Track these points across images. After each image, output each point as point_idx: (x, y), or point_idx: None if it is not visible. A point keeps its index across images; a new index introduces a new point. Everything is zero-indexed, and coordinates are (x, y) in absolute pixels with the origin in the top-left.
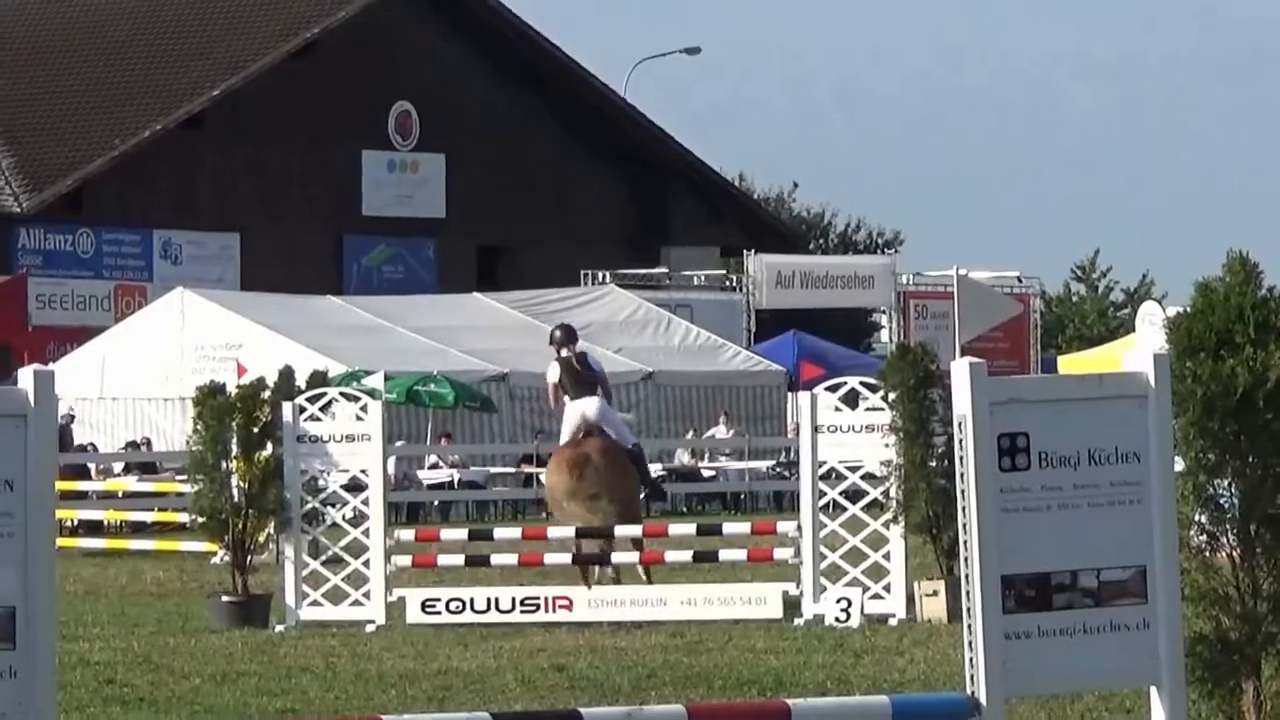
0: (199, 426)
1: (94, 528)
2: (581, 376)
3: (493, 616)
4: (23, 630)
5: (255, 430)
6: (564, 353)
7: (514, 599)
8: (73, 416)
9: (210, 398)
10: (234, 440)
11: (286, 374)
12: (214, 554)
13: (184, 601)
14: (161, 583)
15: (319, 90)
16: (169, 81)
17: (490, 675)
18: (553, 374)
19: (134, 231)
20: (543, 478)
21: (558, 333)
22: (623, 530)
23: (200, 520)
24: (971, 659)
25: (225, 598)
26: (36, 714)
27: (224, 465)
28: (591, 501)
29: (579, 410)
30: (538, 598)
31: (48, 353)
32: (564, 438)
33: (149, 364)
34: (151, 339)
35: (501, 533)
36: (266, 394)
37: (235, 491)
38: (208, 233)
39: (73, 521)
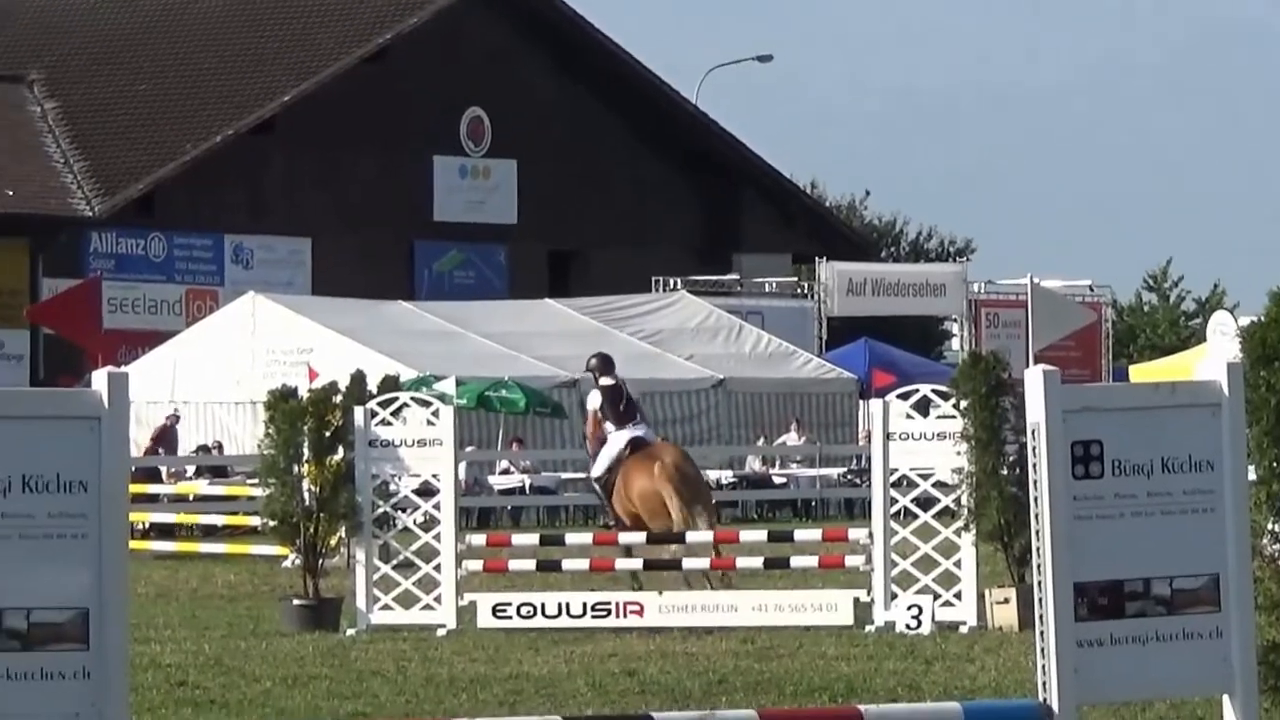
0: (270, 431)
1: (165, 531)
2: (625, 404)
3: (564, 621)
4: (96, 631)
5: (327, 435)
6: (604, 380)
7: (585, 604)
8: (178, 417)
9: (282, 402)
10: (306, 444)
11: (358, 378)
12: (285, 558)
13: (255, 605)
14: (233, 586)
15: (391, 96)
16: (240, 87)
17: (561, 680)
18: (594, 401)
19: (205, 236)
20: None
21: (594, 360)
22: (696, 537)
23: (271, 524)
24: (1043, 666)
25: (296, 601)
26: (109, 715)
27: (295, 469)
28: (694, 506)
29: (625, 438)
30: (609, 603)
31: (119, 356)
32: (602, 465)
33: (220, 368)
34: (223, 343)
35: (573, 538)
36: (338, 398)
37: (306, 495)
38: (279, 237)
39: (144, 524)
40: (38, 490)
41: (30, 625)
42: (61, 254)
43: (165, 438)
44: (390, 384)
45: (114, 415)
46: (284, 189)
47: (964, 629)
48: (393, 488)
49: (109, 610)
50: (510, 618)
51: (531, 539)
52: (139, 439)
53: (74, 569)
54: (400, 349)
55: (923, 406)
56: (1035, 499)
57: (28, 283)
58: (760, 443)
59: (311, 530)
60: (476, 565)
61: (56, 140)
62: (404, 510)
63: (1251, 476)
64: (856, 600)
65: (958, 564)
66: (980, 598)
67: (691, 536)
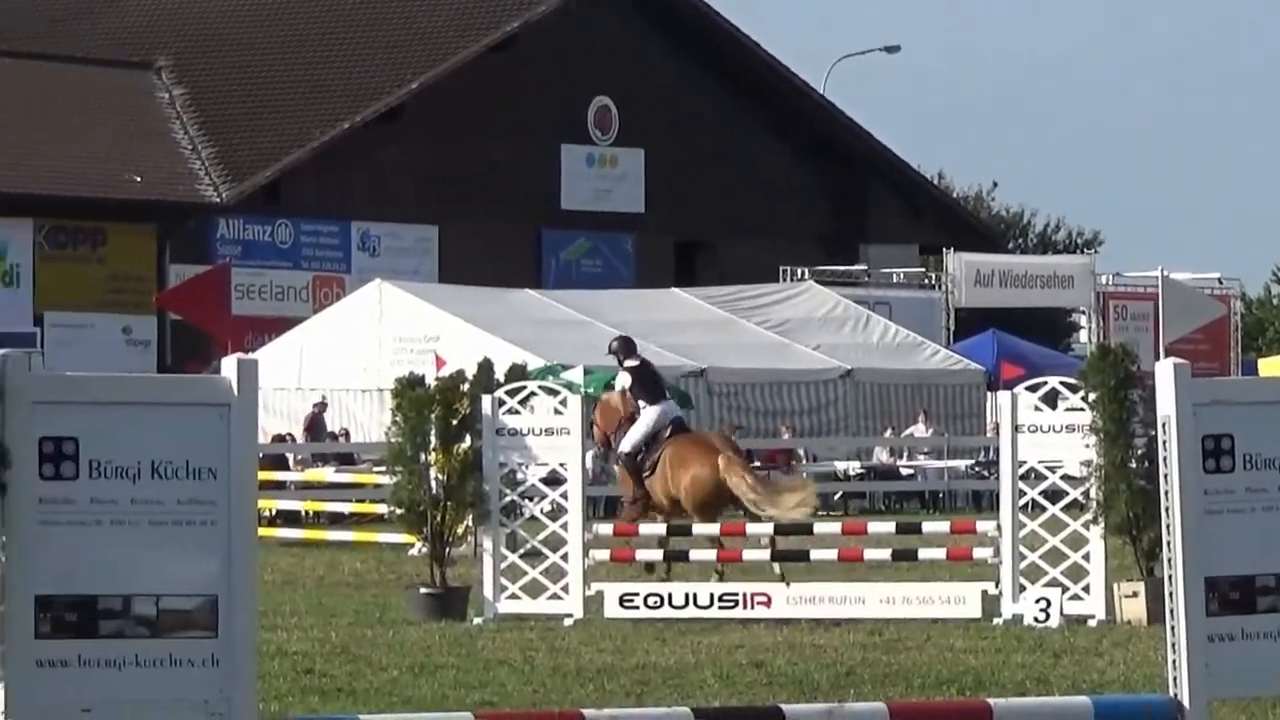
0: (398, 418)
1: (292, 518)
2: (654, 382)
3: (690, 612)
4: (224, 619)
5: (454, 423)
6: (629, 361)
7: (712, 594)
8: (325, 404)
9: (409, 390)
10: (433, 432)
11: (485, 367)
12: (412, 546)
13: (382, 593)
14: (359, 574)
15: (518, 84)
16: (367, 74)
17: (688, 670)
18: (624, 381)
19: (332, 223)
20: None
21: (615, 344)
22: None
23: (398, 512)
24: (1174, 661)
25: (423, 590)
26: (238, 702)
27: (423, 457)
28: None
29: (659, 414)
30: (736, 593)
31: (247, 343)
32: (635, 437)
33: (347, 355)
34: (349, 330)
35: (700, 528)
36: (465, 386)
37: (434, 484)
38: (405, 225)
39: (271, 511)
40: (167, 477)
41: (159, 612)
42: (189, 241)
43: (315, 425)
44: (518, 372)
45: (243, 402)
46: (411, 176)
47: (1092, 623)
48: (520, 476)
49: (237, 597)
50: (637, 608)
51: (658, 529)
52: (266, 426)
53: (203, 556)
54: (528, 337)
55: (1051, 399)
56: (1165, 493)
57: (155, 269)
58: (888, 434)
59: (438, 518)
60: (604, 555)
61: (184, 126)
62: (531, 499)
63: None
64: (984, 593)
65: (1086, 557)
66: (1109, 591)
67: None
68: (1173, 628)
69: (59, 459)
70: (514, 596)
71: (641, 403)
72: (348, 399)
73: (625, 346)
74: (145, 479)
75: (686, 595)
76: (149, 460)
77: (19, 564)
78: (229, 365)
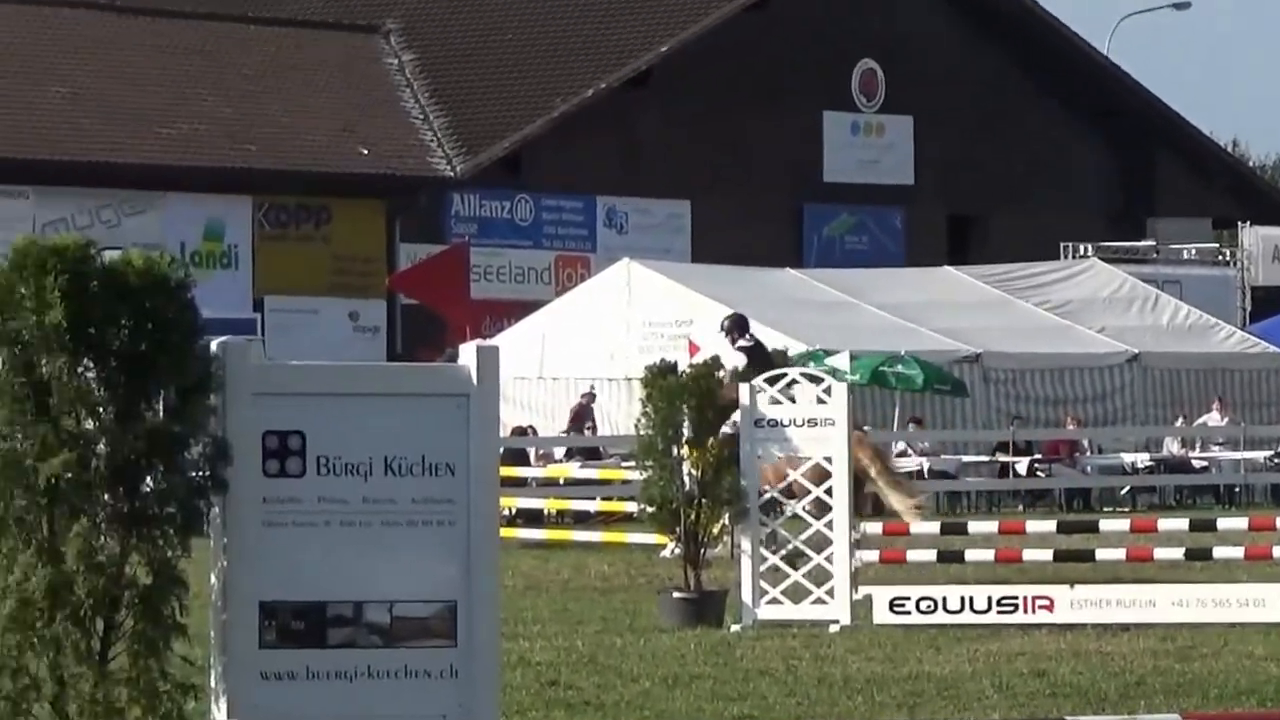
0: (648, 409)
1: (534, 517)
2: (769, 367)
3: (966, 617)
4: (464, 626)
5: (709, 413)
6: (742, 341)
7: (990, 598)
8: (594, 395)
9: (660, 378)
10: (686, 424)
11: None
12: (664, 547)
13: (631, 598)
14: (607, 577)
15: (776, 46)
16: (613, 35)
17: (965, 680)
18: (738, 360)
19: (576, 198)
20: (1019, 467)
21: (727, 321)
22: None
23: (649, 510)
24: None
25: (676, 594)
26: (479, 716)
27: (675, 451)
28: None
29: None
30: (1015, 597)
31: (484, 328)
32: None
33: (593, 341)
34: (595, 314)
35: (975, 526)
36: (721, 374)
37: (687, 479)
38: (655, 199)
39: (511, 510)
40: (401, 474)
41: (394, 620)
42: (420, 218)
43: (583, 417)
44: (778, 359)
45: (483, 392)
46: (661, 147)
47: None
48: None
49: (478, 603)
50: (909, 613)
51: (931, 527)
52: (506, 418)
53: (440, 559)
54: (788, 321)
55: None
56: None
57: (385, 249)
58: (1179, 423)
59: (692, 517)
60: (872, 556)
61: (415, 95)
62: (793, 495)
63: None
64: None
65: None
66: None
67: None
68: None
69: (284, 455)
70: (775, 601)
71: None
72: (578, 387)
73: (739, 324)
74: (378, 476)
75: (962, 599)
76: (381, 456)
77: (241, 568)
78: (467, 352)
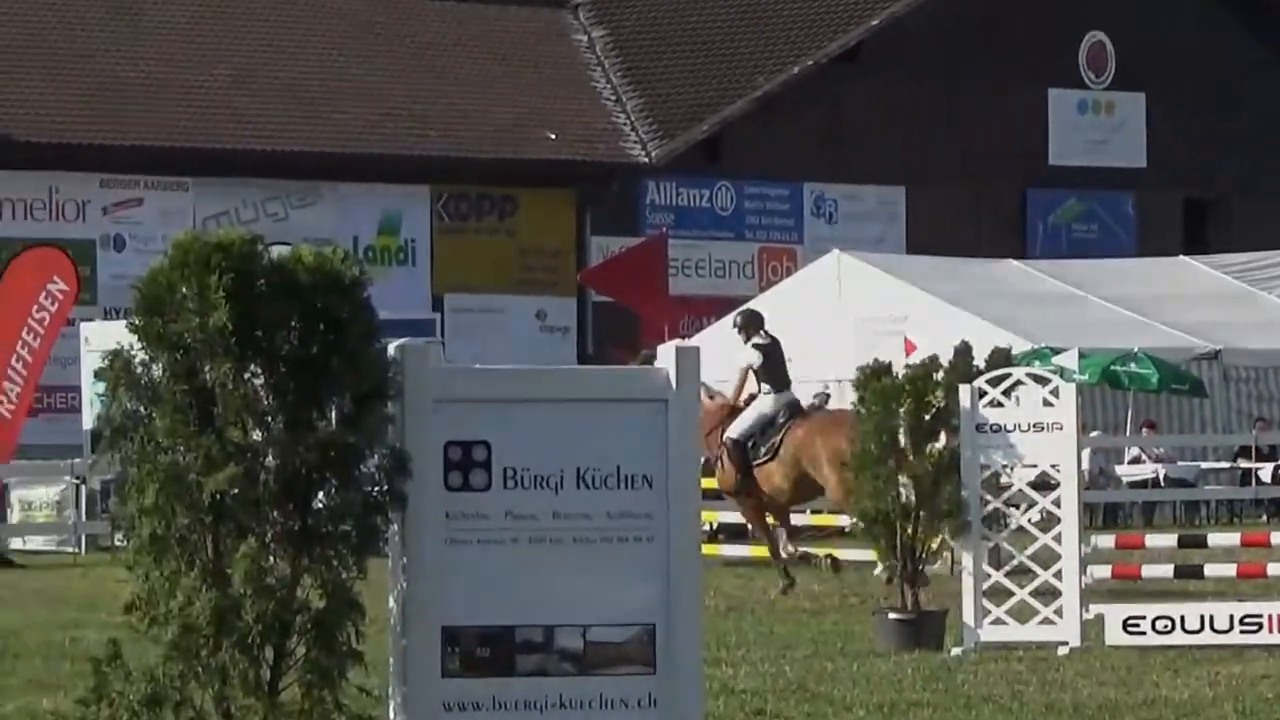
0: (861, 413)
1: (737, 533)
2: (782, 368)
3: (1207, 637)
4: (663, 651)
5: (927, 418)
6: (758, 339)
7: (1231, 616)
8: (828, 395)
9: (874, 379)
10: (902, 430)
11: (963, 351)
12: (878, 564)
13: (844, 619)
14: (817, 597)
15: (996, 18)
16: (820, 8)
17: (1205, 706)
18: (753, 358)
19: (781, 185)
20: (1263, 474)
21: (740, 317)
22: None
23: (862, 524)
24: None
25: (892, 615)
26: None
27: (890, 459)
28: None
29: (783, 403)
30: (1260, 615)
31: (682, 326)
32: (747, 423)
33: (801, 340)
34: (802, 310)
35: (1216, 538)
36: (940, 375)
37: (903, 490)
38: (866, 186)
39: (712, 525)
40: (595, 486)
41: (587, 645)
42: (612, 208)
43: None
44: (1001, 358)
45: (683, 397)
46: (872, 129)
47: None
48: (1004, 480)
49: (679, 626)
50: (1144, 633)
51: (1168, 540)
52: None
53: (638, 578)
54: (1012, 316)
55: None
56: None
57: (574, 242)
58: None
59: (909, 531)
60: (1104, 572)
61: (606, 74)
62: (1018, 507)
63: None
64: None
65: None
66: None
67: None
68: None
69: (468, 467)
70: (999, 622)
71: (765, 386)
72: (803, 390)
73: (753, 320)
74: (570, 489)
75: (1201, 618)
76: (573, 467)
77: (422, 590)
78: (666, 354)
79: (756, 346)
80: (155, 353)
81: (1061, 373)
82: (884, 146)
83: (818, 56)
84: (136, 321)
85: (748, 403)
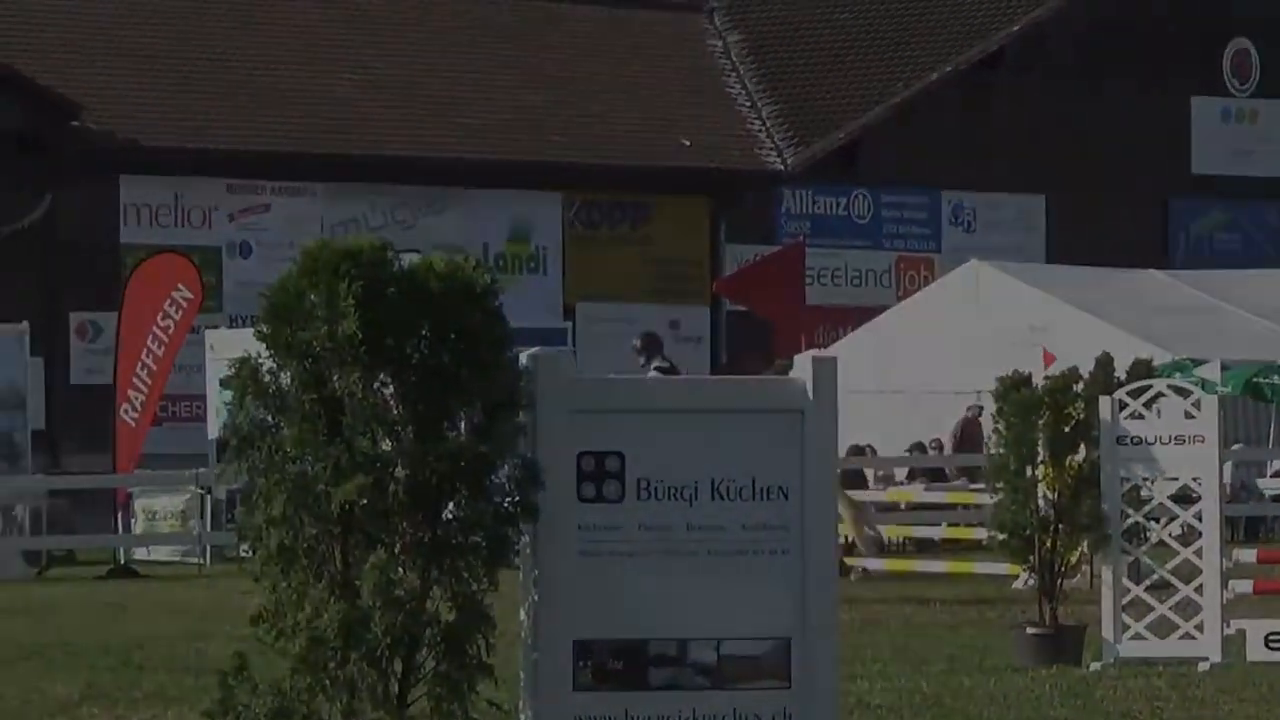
0: (999, 425)
1: (877, 546)
2: None
3: None
4: (799, 666)
5: (1066, 430)
6: (657, 363)
7: None
8: (981, 408)
9: (1013, 391)
10: (1041, 442)
11: (1104, 363)
12: (1017, 577)
13: (981, 634)
14: (954, 611)
15: (1139, 25)
16: (961, 12)
17: None
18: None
19: (919, 193)
20: None
21: (639, 341)
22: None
23: (1000, 537)
24: None
25: (1030, 629)
26: None
27: (1029, 472)
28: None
29: None
30: None
31: (818, 336)
32: None
33: (938, 351)
34: (940, 321)
35: None
36: (1080, 387)
37: (1042, 503)
38: (1006, 194)
39: (847, 538)
40: (729, 498)
41: (721, 659)
42: (748, 216)
43: (970, 434)
44: (1142, 369)
45: (820, 408)
46: (1012, 136)
47: None
48: (1145, 493)
49: (815, 641)
50: None
51: None
52: (843, 436)
53: (773, 591)
54: (1153, 327)
55: None
56: None
57: (709, 251)
58: None
59: (1048, 545)
60: (1245, 586)
61: (741, 80)
62: (1158, 520)
63: None
64: None
65: None
66: None
67: None
68: None
69: (601, 478)
70: (1139, 637)
71: None
72: (938, 402)
73: (651, 344)
74: (704, 500)
75: None
76: (708, 478)
77: (554, 602)
78: (802, 364)
79: (659, 369)
80: (284, 361)
81: (1203, 385)
82: (1023, 154)
83: (957, 63)
84: (265, 329)
85: None
